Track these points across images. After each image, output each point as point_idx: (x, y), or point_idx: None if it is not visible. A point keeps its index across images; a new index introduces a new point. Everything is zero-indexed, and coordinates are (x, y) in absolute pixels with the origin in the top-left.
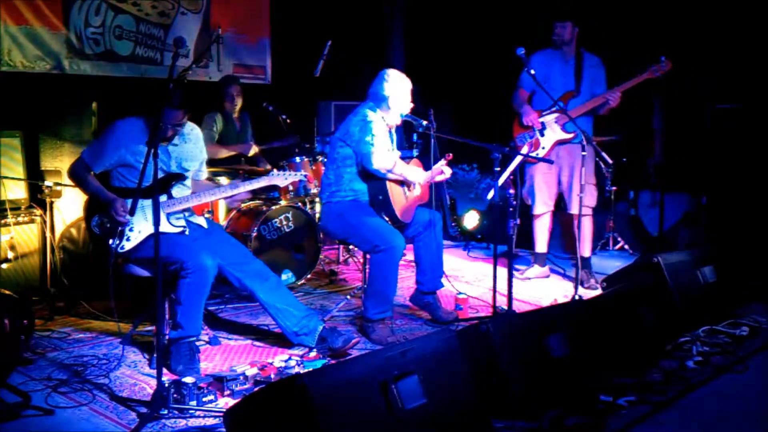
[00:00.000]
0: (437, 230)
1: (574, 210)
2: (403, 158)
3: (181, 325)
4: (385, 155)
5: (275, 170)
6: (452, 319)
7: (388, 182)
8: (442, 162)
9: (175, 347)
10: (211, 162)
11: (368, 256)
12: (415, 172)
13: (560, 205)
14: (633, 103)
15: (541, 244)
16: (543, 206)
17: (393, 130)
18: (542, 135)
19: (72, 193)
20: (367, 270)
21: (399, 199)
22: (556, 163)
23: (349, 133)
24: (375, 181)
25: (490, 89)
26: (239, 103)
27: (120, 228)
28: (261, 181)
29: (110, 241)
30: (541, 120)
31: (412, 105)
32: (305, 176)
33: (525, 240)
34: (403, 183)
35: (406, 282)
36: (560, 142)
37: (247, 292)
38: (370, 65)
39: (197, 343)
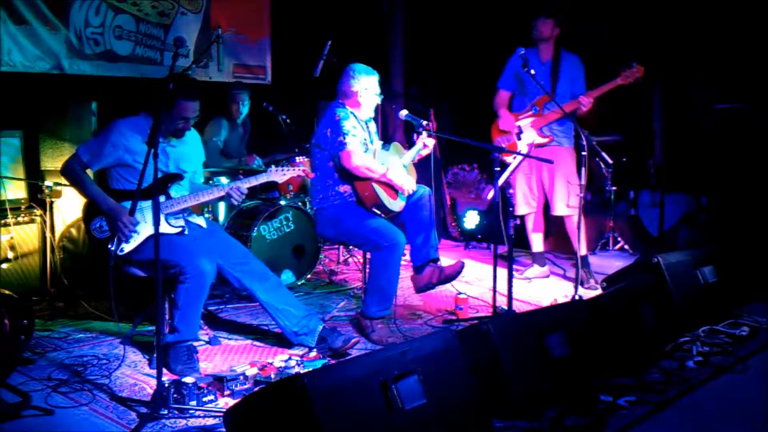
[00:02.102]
0: (428, 205)
1: (557, 212)
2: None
3: (178, 329)
4: (362, 154)
5: (273, 166)
6: (460, 267)
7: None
8: (423, 135)
9: (173, 350)
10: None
11: (368, 255)
12: (402, 176)
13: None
14: (633, 104)
15: (537, 244)
16: (525, 207)
17: (370, 125)
18: (519, 139)
19: (72, 193)
20: (368, 269)
21: (387, 191)
22: (537, 165)
23: (321, 135)
24: (358, 180)
25: (491, 89)
26: (245, 111)
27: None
28: (260, 178)
29: (109, 245)
30: (517, 124)
31: (382, 96)
32: (303, 170)
33: (518, 241)
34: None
35: (406, 282)
36: (536, 146)
37: (246, 292)
38: (370, 65)
39: (195, 344)
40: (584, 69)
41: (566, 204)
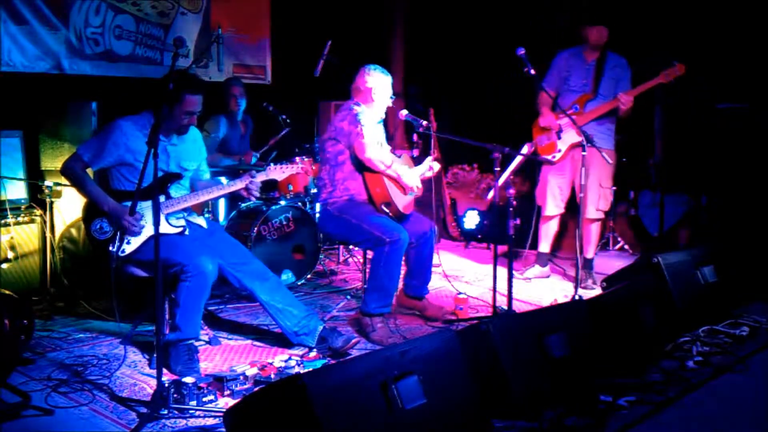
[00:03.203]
0: (432, 242)
1: (588, 214)
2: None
3: (180, 328)
4: (376, 146)
5: (271, 164)
6: (443, 314)
7: (383, 175)
8: (429, 158)
9: (174, 349)
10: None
11: (369, 253)
12: (409, 175)
13: (569, 207)
14: (633, 104)
15: (545, 245)
16: (555, 209)
17: (381, 125)
18: (559, 138)
19: (72, 193)
20: (368, 268)
21: (397, 190)
22: (571, 166)
23: (337, 129)
24: (371, 173)
25: (491, 89)
26: (243, 104)
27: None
28: (258, 175)
29: (110, 247)
30: (558, 122)
31: (393, 98)
32: (302, 167)
33: (520, 241)
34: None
35: None
36: (576, 145)
37: (246, 292)
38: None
39: (196, 344)
40: (631, 72)
41: (596, 207)
